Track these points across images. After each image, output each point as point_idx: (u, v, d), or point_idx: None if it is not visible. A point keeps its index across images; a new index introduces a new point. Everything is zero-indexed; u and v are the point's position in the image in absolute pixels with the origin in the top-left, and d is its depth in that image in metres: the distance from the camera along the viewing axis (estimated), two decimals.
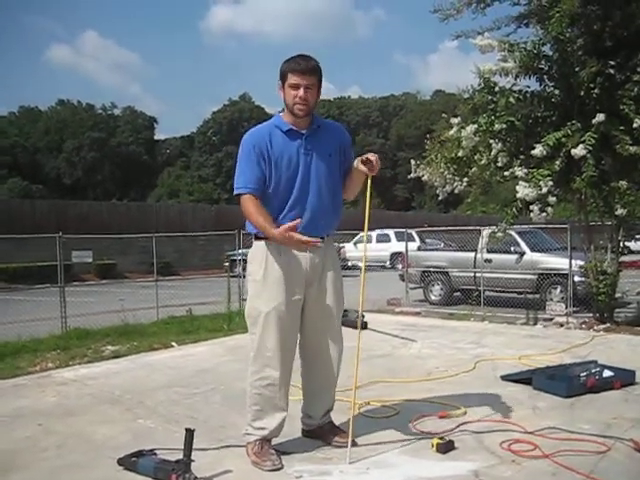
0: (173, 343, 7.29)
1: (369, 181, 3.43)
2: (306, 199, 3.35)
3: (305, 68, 3.28)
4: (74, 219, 24.10)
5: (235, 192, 3.39)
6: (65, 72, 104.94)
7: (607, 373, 4.72)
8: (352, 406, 3.37)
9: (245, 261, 3.55)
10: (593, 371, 4.72)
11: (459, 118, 8.05)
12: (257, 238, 3.44)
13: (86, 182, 60.78)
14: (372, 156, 3.33)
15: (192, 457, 3.03)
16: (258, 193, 3.31)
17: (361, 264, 3.75)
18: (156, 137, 71.08)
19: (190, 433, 3.04)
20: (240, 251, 11.42)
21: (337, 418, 3.64)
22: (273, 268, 3.34)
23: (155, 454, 3.30)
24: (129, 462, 3.24)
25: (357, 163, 3.39)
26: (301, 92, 3.29)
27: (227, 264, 11.46)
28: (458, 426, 3.78)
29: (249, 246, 3.51)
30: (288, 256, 3.34)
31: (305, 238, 3.14)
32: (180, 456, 3.05)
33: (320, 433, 3.58)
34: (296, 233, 3.15)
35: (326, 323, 3.46)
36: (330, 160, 3.44)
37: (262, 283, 3.35)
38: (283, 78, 3.34)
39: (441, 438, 3.44)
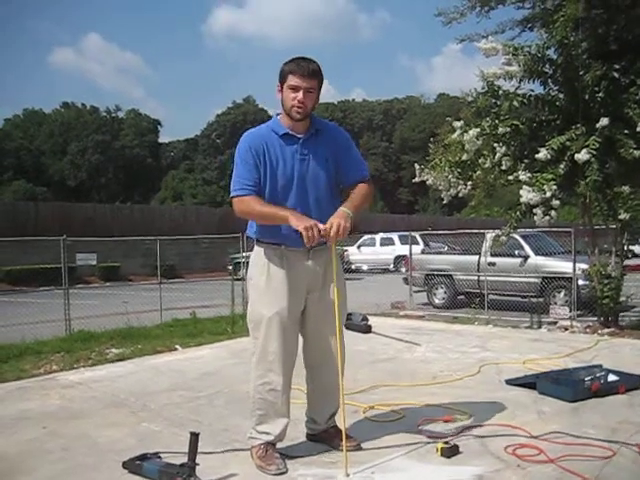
0: (177, 346, 7.30)
1: (333, 248, 3.30)
2: (304, 206, 3.29)
3: (306, 71, 3.21)
4: (78, 222, 24.15)
5: (233, 194, 3.29)
6: (69, 75, 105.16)
7: (612, 377, 4.71)
8: (342, 414, 3.32)
9: (249, 264, 3.53)
10: (598, 375, 4.70)
11: (462, 122, 8.05)
12: (258, 242, 3.42)
13: (90, 185, 60.95)
14: (332, 226, 3.12)
15: (197, 460, 3.03)
16: (252, 193, 3.24)
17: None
18: (160, 140, 71.25)
19: (195, 436, 3.04)
20: (244, 254, 11.43)
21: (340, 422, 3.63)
22: (275, 273, 3.33)
23: (160, 457, 3.31)
24: (134, 465, 3.24)
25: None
26: (300, 95, 3.22)
27: (231, 267, 11.48)
28: (463, 430, 3.78)
29: (252, 249, 3.50)
30: (290, 261, 3.34)
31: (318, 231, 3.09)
32: (185, 459, 3.04)
33: (325, 437, 3.57)
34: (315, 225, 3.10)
35: (330, 328, 3.42)
36: (327, 165, 3.37)
37: (264, 288, 3.34)
38: (283, 79, 3.26)
39: (446, 442, 3.43)
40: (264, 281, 3.35)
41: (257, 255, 3.42)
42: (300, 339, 3.51)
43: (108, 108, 67.50)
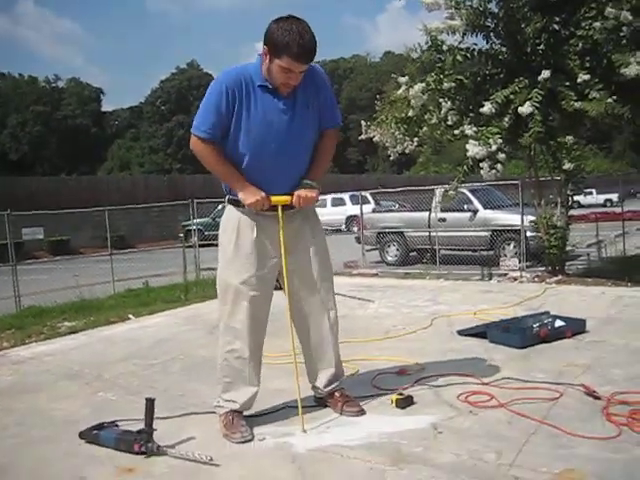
0: (130, 316, 7.23)
1: (280, 212, 3.18)
2: (282, 161, 3.13)
3: (306, 57, 2.95)
4: (23, 196, 23.53)
5: (195, 133, 3.11)
6: (2, 44, 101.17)
7: (559, 323, 4.86)
8: (295, 371, 3.27)
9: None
10: (546, 322, 4.85)
11: (407, 77, 8.04)
12: (230, 201, 3.28)
13: (33, 157, 59.19)
14: (298, 198, 3.18)
15: (154, 426, 3.03)
16: (213, 138, 3.08)
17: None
18: (103, 109, 69.48)
19: (150, 402, 3.03)
20: (195, 221, 11.35)
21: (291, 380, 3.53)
22: (245, 238, 3.21)
23: (117, 425, 3.30)
24: (90, 435, 3.22)
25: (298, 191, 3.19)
26: (292, 79, 3.01)
27: (182, 234, 11.37)
28: (416, 381, 3.85)
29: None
30: (261, 225, 3.21)
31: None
32: (142, 426, 3.05)
33: (330, 402, 3.48)
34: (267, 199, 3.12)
35: (310, 291, 3.33)
36: (307, 112, 3.15)
37: (233, 254, 3.22)
38: (275, 53, 2.94)
39: (400, 394, 3.49)
40: (232, 248, 3.22)
41: (227, 219, 3.29)
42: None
43: (47, 77, 65.53)
